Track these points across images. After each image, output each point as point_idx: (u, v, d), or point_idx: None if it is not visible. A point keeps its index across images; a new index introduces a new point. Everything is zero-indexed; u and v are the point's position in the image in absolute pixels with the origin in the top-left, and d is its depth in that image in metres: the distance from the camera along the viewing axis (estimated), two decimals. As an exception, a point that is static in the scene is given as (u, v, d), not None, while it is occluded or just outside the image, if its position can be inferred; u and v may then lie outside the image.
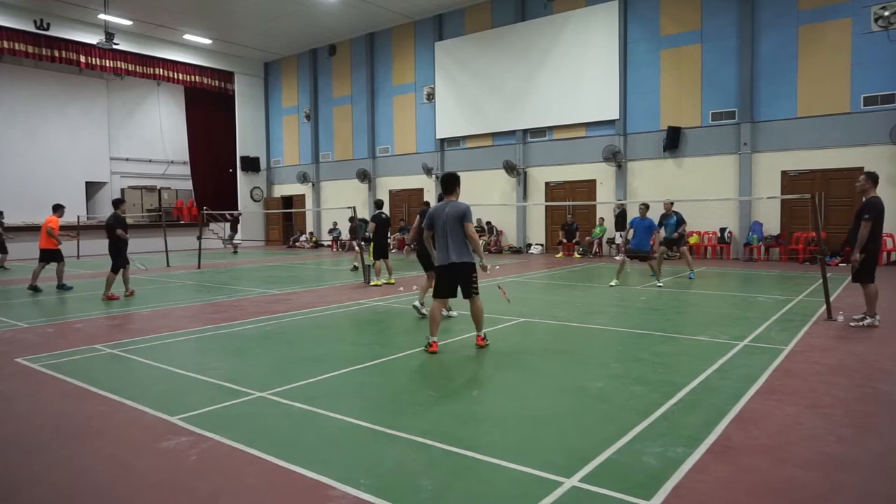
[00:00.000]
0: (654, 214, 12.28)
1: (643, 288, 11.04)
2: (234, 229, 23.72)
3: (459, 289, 6.23)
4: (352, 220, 12.19)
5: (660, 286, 11.07)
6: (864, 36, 14.81)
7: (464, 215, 6.07)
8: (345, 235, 24.36)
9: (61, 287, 11.76)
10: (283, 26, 23.62)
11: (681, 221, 12.18)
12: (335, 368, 5.64)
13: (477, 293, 6.23)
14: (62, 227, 12.47)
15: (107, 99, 28.51)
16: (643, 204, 11.75)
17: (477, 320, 6.31)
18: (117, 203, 11.04)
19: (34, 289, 11.63)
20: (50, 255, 11.85)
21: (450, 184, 6.32)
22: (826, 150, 15.45)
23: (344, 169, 26.00)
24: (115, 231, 10.54)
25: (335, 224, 25.09)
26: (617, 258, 15.26)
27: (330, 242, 24.96)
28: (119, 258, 10.65)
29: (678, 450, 3.56)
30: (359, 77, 25.25)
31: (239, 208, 27.38)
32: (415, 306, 8.26)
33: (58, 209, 12.03)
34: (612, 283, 11.35)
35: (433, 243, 6.40)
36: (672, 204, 12.14)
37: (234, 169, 28.44)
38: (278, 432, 4.00)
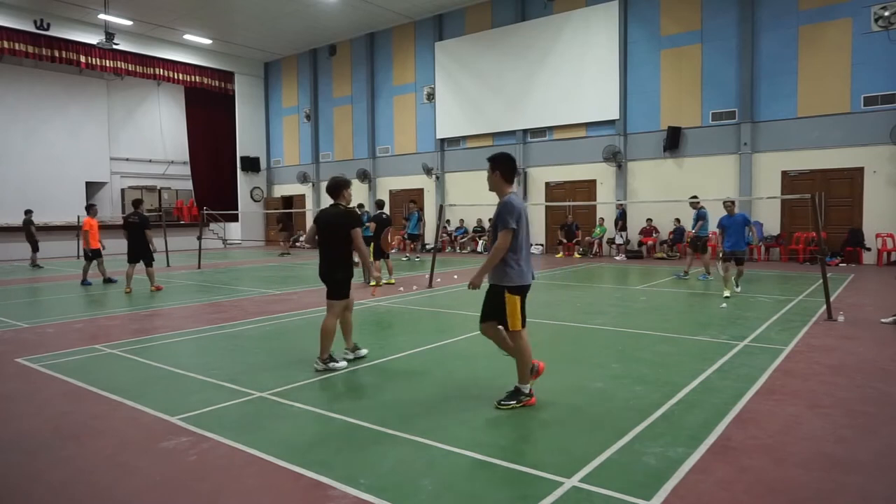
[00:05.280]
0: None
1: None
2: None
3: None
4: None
5: (738, 291, 10.06)
6: (864, 36, 14.80)
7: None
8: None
9: (107, 281, 12.88)
10: (283, 26, 23.61)
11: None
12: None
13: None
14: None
15: (107, 99, 28.50)
16: (729, 201, 10.17)
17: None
18: (139, 203, 12.00)
19: (109, 281, 12.90)
20: (93, 253, 12.78)
21: (514, 170, 4.62)
22: (826, 150, 15.44)
23: (344, 169, 25.93)
24: (147, 230, 11.58)
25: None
26: (715, 268, 12.22)
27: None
28: (151, 253, 11.74)
29: (678, 450, 3.56)
30: (359, 77, 25.24)
31: (239, 208, 27.38)
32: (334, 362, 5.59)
33: (90, 209, 12.95)
34: (727, 294, 9.60)
35: (518, 251, 4.32)
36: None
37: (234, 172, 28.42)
38: (278, 432, 4.00)
